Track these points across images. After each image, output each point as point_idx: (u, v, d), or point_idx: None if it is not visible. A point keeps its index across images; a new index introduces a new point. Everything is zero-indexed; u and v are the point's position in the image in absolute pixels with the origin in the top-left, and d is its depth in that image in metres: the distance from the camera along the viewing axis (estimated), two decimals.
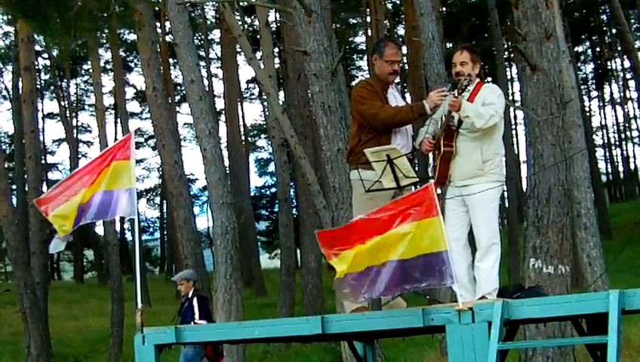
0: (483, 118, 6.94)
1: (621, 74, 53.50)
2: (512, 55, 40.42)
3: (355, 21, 48.21)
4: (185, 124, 53.02)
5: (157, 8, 33.27)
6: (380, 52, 7.57)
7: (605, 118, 58.32)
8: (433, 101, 7.20)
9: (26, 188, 26.60)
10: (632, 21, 41.80)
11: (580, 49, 50.57)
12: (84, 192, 7.73)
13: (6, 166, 30.25)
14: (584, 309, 5.91)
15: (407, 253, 5.97)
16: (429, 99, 7.24)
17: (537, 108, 9.59)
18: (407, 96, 31.21)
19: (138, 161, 54.00)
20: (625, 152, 58.57)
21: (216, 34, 47.36)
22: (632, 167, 58.87)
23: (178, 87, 45.47)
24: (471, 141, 7.09)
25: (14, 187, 35.05)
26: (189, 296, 12.95)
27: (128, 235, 50.20)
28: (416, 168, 7.55)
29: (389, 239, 6.05)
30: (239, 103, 44.34)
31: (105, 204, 7.71)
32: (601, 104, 57.47)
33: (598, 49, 52.02)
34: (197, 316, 12.59)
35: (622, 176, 59.20)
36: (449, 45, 40.35)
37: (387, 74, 7.54)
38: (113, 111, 48.04)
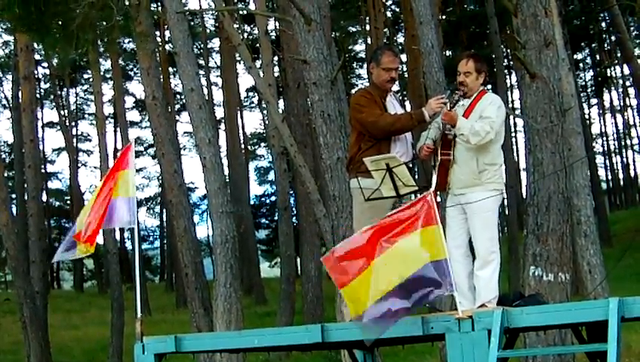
0: (479, 135, 6.94)
1: (621, 81, 53.47)
2: (512, 63, 40.43)
3: (354, 29, 48.26)
4: (185, 132, 53.02)
5: (157, 17, 33.33)
6: (377, 60, 7.58)
7: (605, 126, 58.22)
8: (432, 108, 7.20)
9: (26, 198, 26.58)
10: (632, 28, 41.82)
11: (579, 56, 50.54)
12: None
13: (6, 175, 30.23)
14: (584, 317, 5.91)
15: (410, 268, 5.97)
16: (428, 106, 7.25)
17: (537, 116, 9.59)
18: (407, 104, 31.20)
19: (138, 170, 53.98)
20: (625, 160, 58.51)
21: (215, 43, 47.38)
22: (632, 174, 58.75)
23: (178, 96, 45.45)
24: (467, 151, 7.09)
25: (14, 196, 35.04)
26: None
27: (128, 244, 50.16)
28: (416, 177, 7.54)
29: (394, 257, 6.04)
30: (239, 112, 44.34)
31: (108, 211, 7.76)
32: (601, 111, 57.45)
33: (597, 56, 52.01)
34: None
35: (622, 183, 59.13)
36: (448, 53, 40.40)
37: (385, 81, 7.55)
38: (113, 120, 48.02)
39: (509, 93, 44.28)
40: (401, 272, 5.99)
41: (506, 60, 39.96)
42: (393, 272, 6.02)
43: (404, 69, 30.09)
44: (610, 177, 59.24)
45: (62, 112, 48.43)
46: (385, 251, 6.08)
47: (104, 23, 16.25)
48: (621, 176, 59.19)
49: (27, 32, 15.44)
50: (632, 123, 55.98)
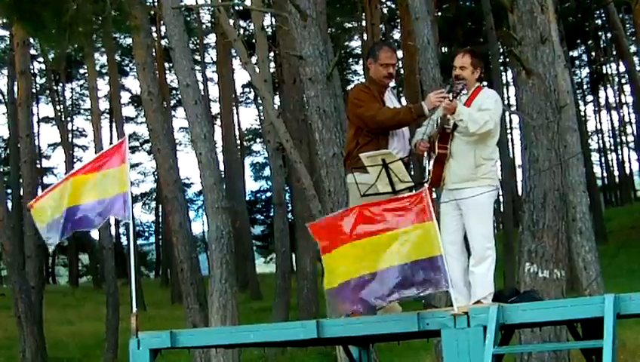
0: (477, 123, 6.94)
1: (616, 78, 53.53)
2: (508, 59, 40.51)
3: (350, 25, 48.19)
4: (180, 128, 52.98)
5: (152, 12, 33.28)
6: (375, 56, 7.59)
7: (600, 123, 58.22)
8: (432, 103, 7.19)
9: (21, 193, 26.55)
10: (627, 25, 41.84)
11: (575, 53, 50.57)
12: (73, 190, 7.72)
13: (1, 170, 30.16)
14: (579, 314, 5.92)
15: (402, 258, 5.96)
16: (428, 100, 7.24)
17: (533, 113, 9.59)
18: (403, 100, 31.20)
19: (133, 166, 53.95)
20: (620, 157, 58.49)
21: (211, 38, 47.35)
22: (627, 171, 58.83)
23: (173, 91, 45.39)
24: (465, 144, 7.09)
25: (9, 191, 34.96)
26: None
27: (123, 239, 50.07)
28: (412, 173, 7.54)
29: (383, 244, 6.04)
30: (235, 107, 44.30)
31: (98, 210, 7.70)
32: (596, 108, 57.47)
33: (593, 53, 52.03)
34: None
35: (617, 180, 59.18)
36: (444, 50, 40.39)
37: (382, 77, 7.57)
38: (108, 116, 47.94)
39: (504, 89, 44.33)
40: (394, 260, 5.98)
41: (501, 57, 39.98)
42: (384, 258, 6.02)
43: (400, 65, 30.05)
44: (605, 174, 59.29)
45: (57, 107, 48.31)
46: (372, 236, 6.09)
47: (99, 18, 16.22)
48: (616, 173, 59.26)
49: (19, 21, 15.39)
50: (627, 120, 56.05)
